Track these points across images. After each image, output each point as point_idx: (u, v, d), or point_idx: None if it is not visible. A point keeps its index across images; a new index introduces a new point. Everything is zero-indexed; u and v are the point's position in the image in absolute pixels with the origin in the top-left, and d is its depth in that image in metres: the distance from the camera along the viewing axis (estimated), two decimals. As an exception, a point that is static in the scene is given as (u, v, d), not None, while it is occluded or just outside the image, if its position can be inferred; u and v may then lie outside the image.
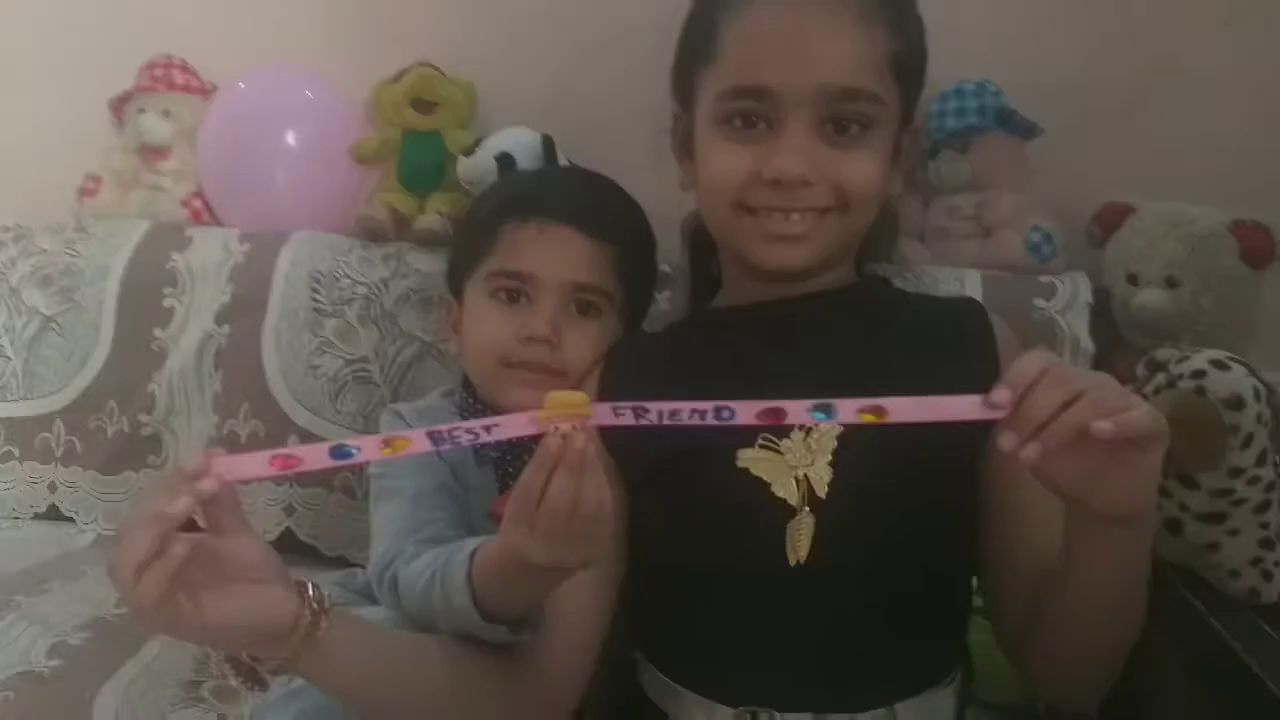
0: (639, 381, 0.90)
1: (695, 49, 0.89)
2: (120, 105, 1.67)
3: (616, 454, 0.88)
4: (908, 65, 0.86)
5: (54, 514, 1.51)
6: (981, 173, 1.35)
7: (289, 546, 1.37)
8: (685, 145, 0.93)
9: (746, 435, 0.83)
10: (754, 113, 0.84)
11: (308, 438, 1.37)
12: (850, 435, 0.82)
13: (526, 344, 1.00)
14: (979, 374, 0.84)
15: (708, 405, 0.66)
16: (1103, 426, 0.62)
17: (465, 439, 0.66)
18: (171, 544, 0.61)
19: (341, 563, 1.35)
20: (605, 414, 0.66)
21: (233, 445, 1.39)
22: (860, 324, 0.91)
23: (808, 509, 0.82)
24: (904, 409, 0.66)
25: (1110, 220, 1.29)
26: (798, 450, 0.83)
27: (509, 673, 0.82)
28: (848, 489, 0.82)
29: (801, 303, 0.90)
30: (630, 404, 0.66)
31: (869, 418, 0.66)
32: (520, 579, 0.73)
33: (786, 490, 0.82)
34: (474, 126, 1.54)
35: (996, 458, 0.84)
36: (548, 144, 1.35)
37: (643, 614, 0.93)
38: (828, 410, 0.66)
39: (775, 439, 0.83)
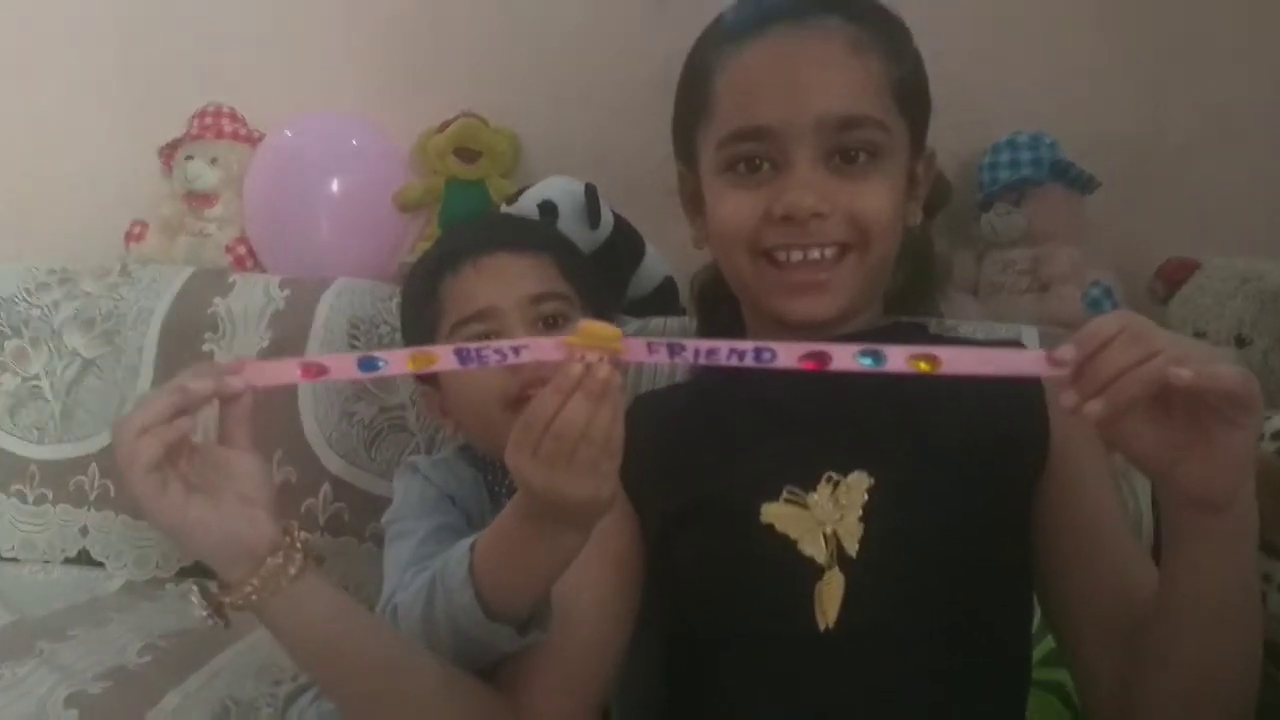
0: (662, 433, 0.86)
1: (691, 106, 0.88)
2: (169, 152, 1.70)
3: (637, 503, 0.85)
4: (910, 91, 0.84)
5: (84, 558, 1.48)
6: (1037, 226, 1.32)
7: (318, 598, 1.33)
8: (693, 202, 0.91)
9: (770, 487, 0.79)
10: (756, 154, 0.82)
11: (340, 486, 1.34)
12: (883, 488, 0.78)
13: (515, 373, 0.97)
14: (1025, 418, 0.81)
15: (747, 345, 0.63)
16: (1181, 373, 0.56)
17: (493, 359, 0.64)
18: (180, 419, 0.63)
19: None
20: (638, 348, 0.63)
21: (265, 492, 1.37)
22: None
23: (837, 568, 0.76)
24: (958, 359, 0.62)
25: (1174, 276, 1.25)
26: (825, 504, 0.79)
27: (506, 705, 0.77)
28: (881, 545, 0.76)
29: None
30: (665, 340, 0.63)
31: (922, 365, 0.62)
32: (524, 546, 0.69)
33: (814, 547, 0.77)
34: (517, 176, 1.55)
35: (1054, 496, 0.80)
36: (590, 193, 1.33)
37: (671, 685, 0.87)
38: (876, 356, 0.62)
39: (801, 493, 0.79)
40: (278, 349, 1.44)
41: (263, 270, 1.62)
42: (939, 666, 0.76)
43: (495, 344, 0.65)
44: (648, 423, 0.89)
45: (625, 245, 1.40)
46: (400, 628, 0.80)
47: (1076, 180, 1.31)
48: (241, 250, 1.63)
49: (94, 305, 1.57)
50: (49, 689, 1.12)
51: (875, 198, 0.81)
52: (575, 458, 0.62)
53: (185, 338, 1.50)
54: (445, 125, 1.55)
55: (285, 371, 0.67)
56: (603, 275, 1.22)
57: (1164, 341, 0.58)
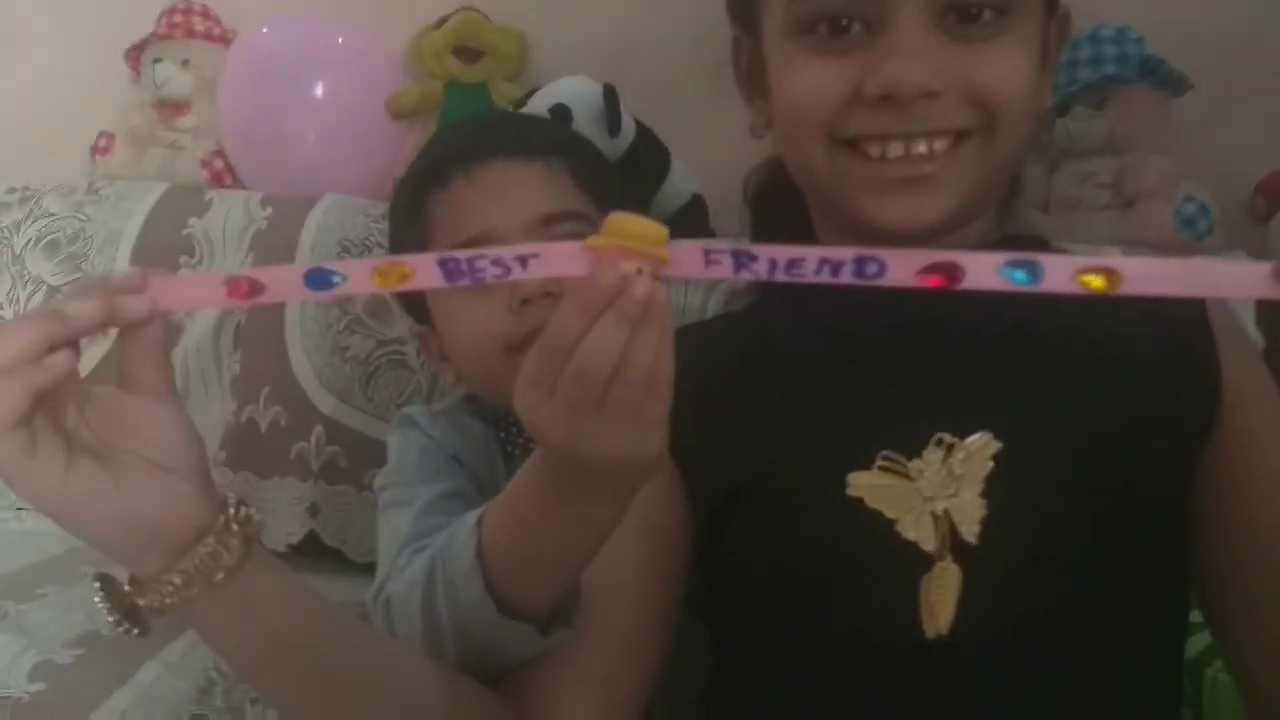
0: (713, 379, 0.70)
1: None
2: (137, 55, 1.55)
3: (685, 471, 0.69)
4: None
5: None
6: (1121, 133, 1.17)
7: (313, 551, 1.21)
8: (753, 77, 0.72)
9: (859, 451, 0.63)
10: (844, 11, 0.62)
11: (334, 428, 1.21)
12: (1011, 456, 0.62)
13: (522, 315, 0.81)
14: (1189, 370, 0.65)
15: (846, 253, 0.47)
16: None
17: (491, 273, 0.48)
18: (55, 354, 0.46)
19: (372, 570, 1.19)
20: (690, 257, 0.47)
21: (251, 434, 1.24)
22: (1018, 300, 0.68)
23: (950, 558, 0.62)
24: (1149, 275, 0.45)
25: (1277, 191, 1.10)
26: (935, 474, 0.63)
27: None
28: (1010, 530, 0.61)
29: None
30: (728, 244, 0.47)
31: (1094, 282, 0.45)
32: (545, 521, 0.54)
33: (919, 531, 0.62)
34: (524, 78, 1.40)
35: (1223, 472, 0.64)
36: (610, 95, 1.18)
37: (722, 697, 0.73)
38: (1031, 269, 0.45)
39: (902, 459, 0.63)
40: (261, 275, 1.31)
41: (242, 186, 1.48)
42: (1078, 687, 0.62)
43: (495, 251, 0.48)
44: (695, 366, 0.72)
45: (648, 157, 1.25)
46: (395, 626, 0.66)
47: (1167, 80, 1.15)
48: (219, 164, 1.49)
49: (58, 227, 1.44)
50: (12, 658, 1.00)
51: (1005, 67, 0.62)
52: (606, 401, 0.47)
53: (158, 262, 1.36)
54: (442, 21, 1.40)
55: (205, 290, 0.51)
56: (627, 187, 1.06)
57: None
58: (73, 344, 0.47)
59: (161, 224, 1.39)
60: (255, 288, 0.49)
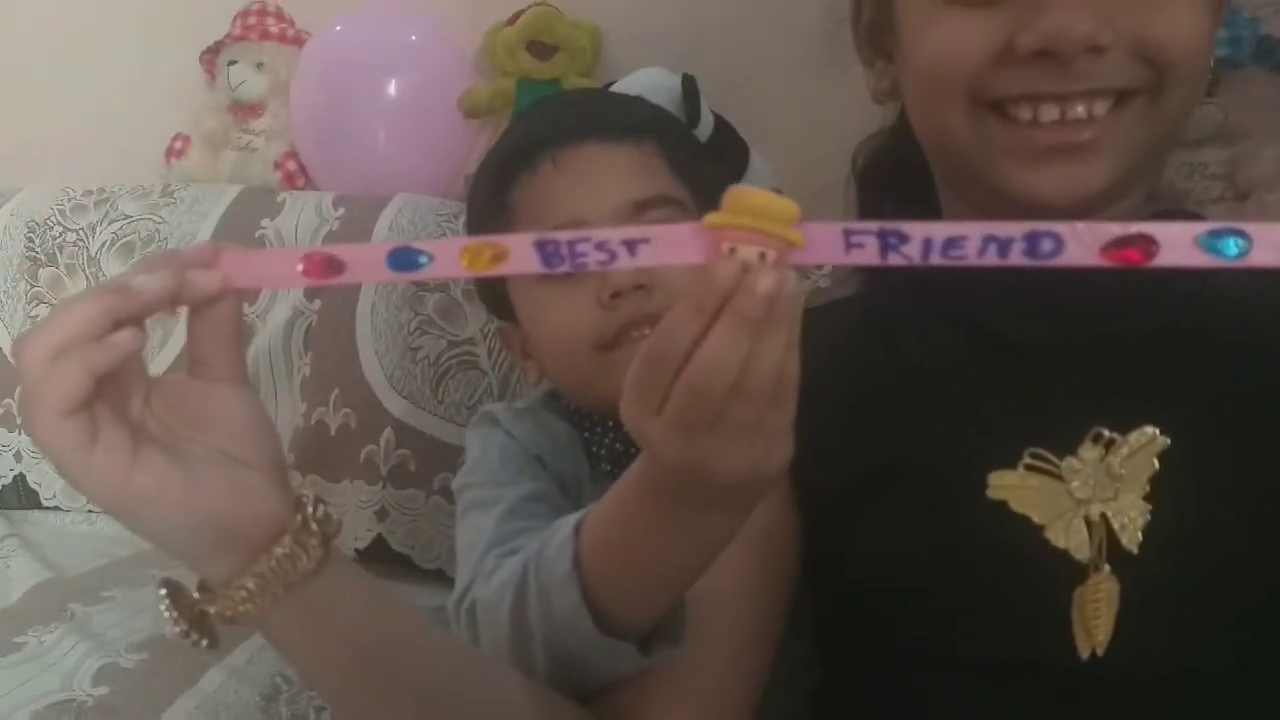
0: (832, 370, 0.62)
1: None
2: (211, 58, 1.55)
3: (796, 469, 0.64)
4: None
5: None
6: (1235, 120, 1.10)
7: (380, 557, 1.19)
8: (875, 36, 0.66)
9: (1003, 447, 0.57)
10: None
11: (404, 430, 1.19)
12: (1179, 454, 0.56)
13: (612, 309, 0.77)
14: None
15: (1016, 230, 0.40)
16: None
17: (595, 259, 0.43)
18: (120, 331, 0.42)
19: (439, 577, 1.17)
20: (828, 241, 0.41)
21: (321, 437, 1.23)
22: (1182, 284, 0.56)
23: (1108, 569, 0.55)
24: None
25: (1407, 179, 1.02)
26: (1090, 475, 0.56)
27: None
28: (1177, 538, 0.55)
29: None
30: (874, 225, 0.40)
31: None
32: (653, 534, 0.49)
33: (1070, 538, 0.56)
34: (598, 74, 1.37)
35: None
36: (689, 85, 1.14)
37: (825, 717, 0.68)
38: (1240, 240, 0.38)
39: (1053, 457, 0.56)
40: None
41: (315, 187, 1.47)
42: (1255, 716, 0.55)
43: (601, 234, 0.42)
44: (812, 355, 0.68)
45: (727, 151, 1.20)
46: (480, 635, 0.62)
47: (1286, 63, 1.08)
48: (291, 166, 1.49)
49: (133, 229, 1.45)
50: (78, 661, 1.00)
51: (1181, 18, 0.55)
52: (726, 416, 0.42)
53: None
54: (515, 17, 1.37)
55: (282, 267, 0.47)
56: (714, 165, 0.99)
57: None
58: (139, 322, 0.44)
59: (235, 226, 1.39)
60: (334, 265, 0.45)
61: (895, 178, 0.71)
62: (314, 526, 0.47)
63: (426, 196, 1.33)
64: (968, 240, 0.40)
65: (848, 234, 0.41)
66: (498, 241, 0.44)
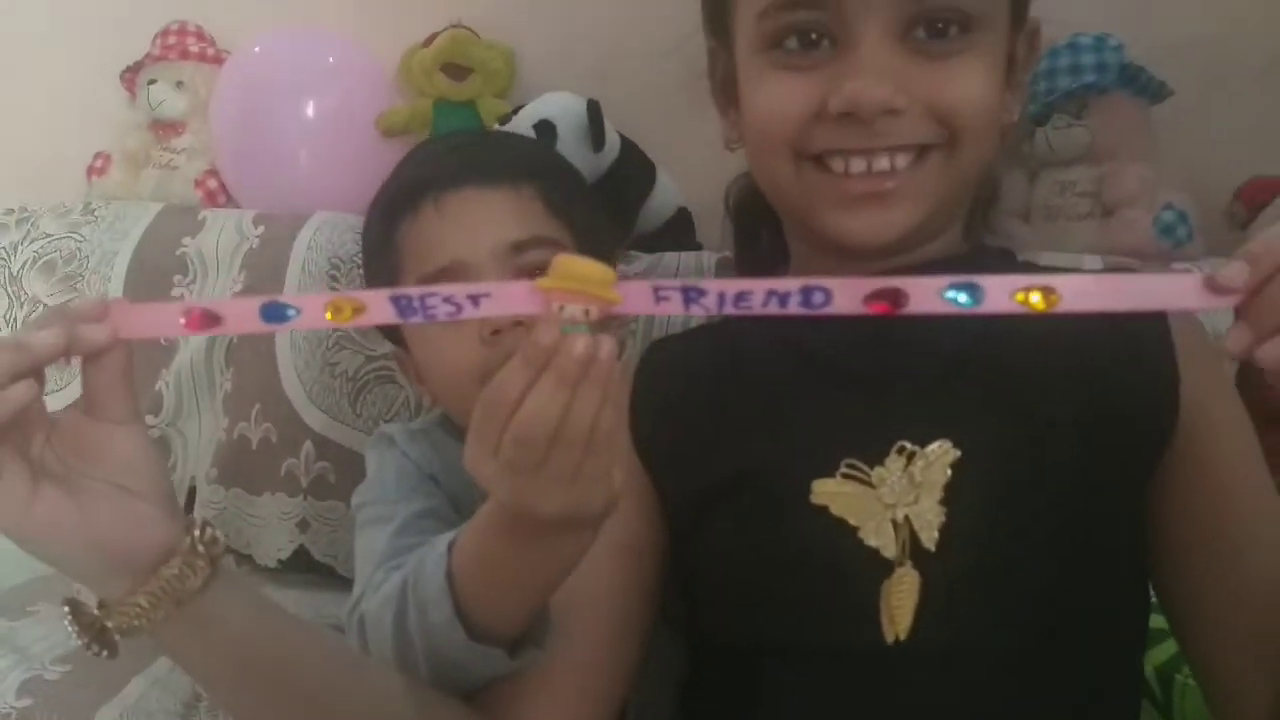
0: (684, 391, 0.72)
1: None
2: (132, 77, 1.55)
3: (657, 480, 0.70)
4: None
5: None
6: (1101, 141, 1.16)
7: (303, 567, 1.22)
8: (727, 89, 0.72)
9: (824, 459, 0.64)
10: (812, 26, 0.63)
11: (323, 444, 1.22)
12: (969, 464, 0.63)
13: (494, 344, 0.80)
14: (1148, 375, 0.65)
15: (792, 284, 0.48)
16: None
17: (443, 311, 0.49)
18: (17, 386, 0.47)
19: (360, 585, 1.20)
20: (640, 296, 0.47)
21: (243, 451, 1.25)
22: (980, 321, 0.68)
23: (910, 564, 0.62)
24: (1084, 291, 0.46)
25: (1256, 197, 1.10)
26: (896, 482, 0.63)
27: None
28: (967, 537, 0.62)
29: None
30: (678, 282, 0.47)
31: (1034, 301, 0.46)
32: (512, 555, 0.55)
33: (880, 537, 0.63)
34: (513, 95, 1.40)
35: (1184, 477, 0.64)
36: (593, 110, 1.19)
37: (692, 701, 0.74)
38: (972, 291, 0.46)
39: (865, 467, 0.64)
40: (252, 292, 1.31)
41: (236, 205, 1.48)
42: (1037, 692, 0.62)
43: (447, 289, 0.49)
44: (667, 378, 0.74)
45: (633, 172, 1.25)
46: (369, 643, 0.66)
47: (1147, 88, 1.15)
48: (212, 184, 1.49)
49: (55, 247, 1.46)
50: (1, 674, 1.02)
51: (969, 84, 0.63)
52: (547, 463, 0.47)
53: (153, 282, 1.37)
54: (431, 39, 1.39)
55: (164, 319, 0.52)
56: (607, 206, 1.06)
57: None
58: (36, 373, 0.48)
59: (156, 244, 1.40)
60: (211, 319, 0.51)
61: (759, 215, 0.78)
62: (201, 549, 0.52)
63: (345, 214, 1.33)
64: (754, 294, 0.47)
65: (656, 289, 0.47)
66: (357, 297, 0.50)
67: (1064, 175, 1.19)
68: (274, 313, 0.50)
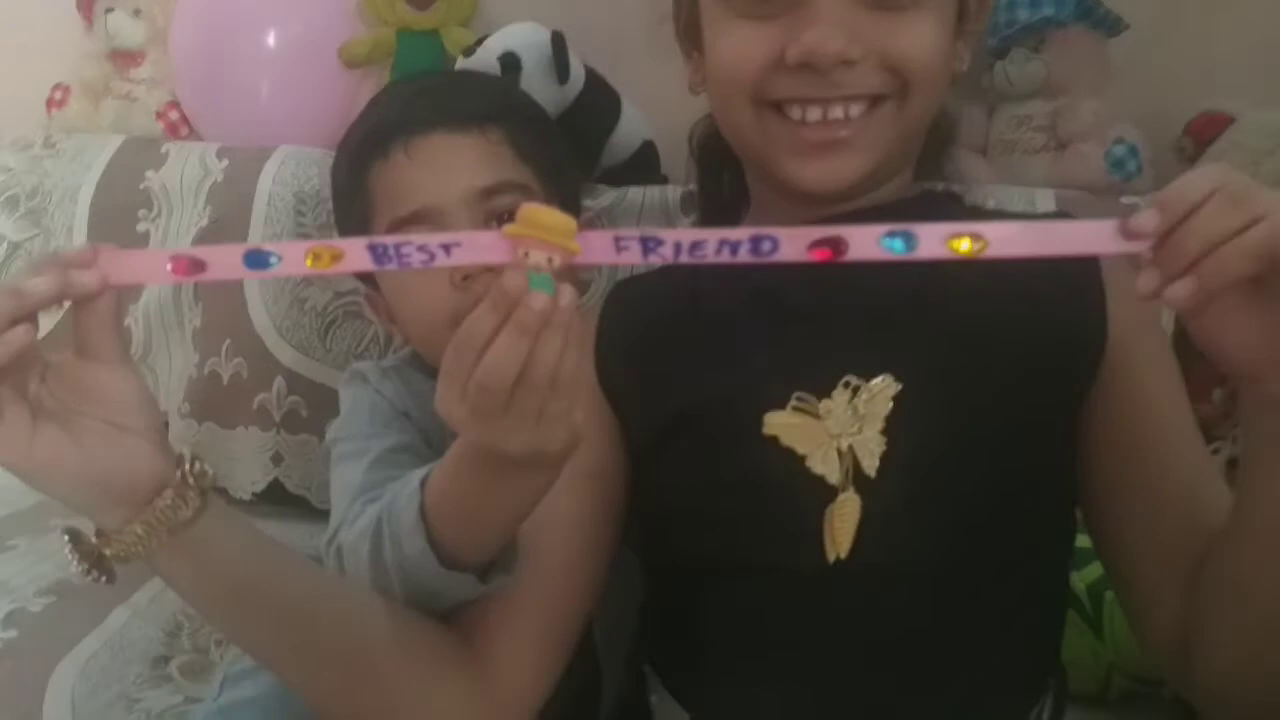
0: (646, 329, 0.75)
1: None
2: (89, 4, 1.52)
3: (619, 413, 0.73)
4: None
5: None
6: (1057, 75, 1.17)
7: (278, 498, 1.25)
8: (691, 34, 0.74)
9: (776, 393, 0.68)
10: None
11: (294, 379, 1.24)
12: (909, 397, 0.66)
13: (465, 289, 0.82)
14: (1078, 309, 0.69)
15: (741, 234, 0.51)
16: None
17: (417, 259, 0.51)
18: (14, 330, 0.50)
19: (335, 515, 1.23)
20: (601, 246, 0.50)
21: (214, 386, 1.27)
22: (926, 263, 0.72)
23: (852, 489, 0.66)
24: (1009, 238, 0.50)
25: (1206, 132, 1.11)
26: (840, 414, 0.67)
27: (469, 656, 0.67)
28: (905, 464, 0.66)
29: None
30: (636, 232, 0.50)
31: (963, 247, 0.50)
32: (481, 490, 0.58)
33: (825, 465, 0.66)
34: (476, 24, 1.39)
35: (1110, 404, 0.68)
36: (558, 42, 1.18)
37: (651, 621, 0.78)
38: (907, 238, 0.50)
39: (812, 399, 0.67)
40: (218, 227, 1.32)
41: (198, 137, 1.47)
42: (968, 605, 0.67)
43: (420, 238, 0.51)
44: (630, 316, 0.77)
45: (598, 104, 1.25)
46: (347, 573, 0.70)
47: (1103, 21, 1.16)
48: (174, 115, 1.48)
49: (17, 182, 1.45)
50: (-13, 607, 1.05)
51: (920, 36, 0.65)
52: (512, 405, 0.50)
53: (117, 216, 1.37)
54: (393, -33, 1.37)
55: (152, 267, 0.55)
56: (573, 139, 1.07)
57: (1270, 203, 0.47)
58: (30, 318, 0.51)
59: (119, 177, 1.39)
60: (197, 265, 0.53)
61: (722, 156, 0.80)
62: (191, 481, 0.56)
63: (309, 148, 1.33)
64: (707, 243, 0.51)
65: (617, 239, 0.50)
66: (335, 245, 0.52)
67: (1020, 110, 1.20)
68: (257, 259, 0.52)
